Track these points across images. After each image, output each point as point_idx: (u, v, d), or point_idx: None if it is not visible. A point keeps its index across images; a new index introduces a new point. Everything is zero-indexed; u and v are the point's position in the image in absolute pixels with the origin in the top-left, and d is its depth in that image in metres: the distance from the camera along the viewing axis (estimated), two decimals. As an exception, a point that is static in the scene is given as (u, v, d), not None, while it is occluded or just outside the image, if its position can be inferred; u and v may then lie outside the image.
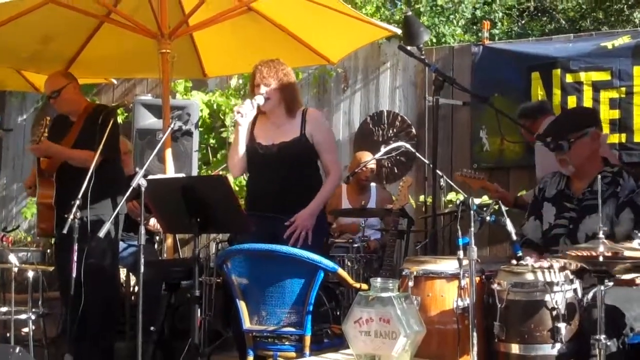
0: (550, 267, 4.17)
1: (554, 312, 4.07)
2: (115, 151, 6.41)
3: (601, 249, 3.78)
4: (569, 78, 8.00)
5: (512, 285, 4.17)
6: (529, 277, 4.18)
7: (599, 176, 4.24)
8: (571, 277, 4.22)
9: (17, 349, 4.50)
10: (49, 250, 8.07)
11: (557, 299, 4.09)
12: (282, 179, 5.38)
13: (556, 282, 4.14)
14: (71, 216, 5.55)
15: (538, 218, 4.99)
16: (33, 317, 6.33)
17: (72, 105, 6.47)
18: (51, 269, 6.60)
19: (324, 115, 5.93)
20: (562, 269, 4.20)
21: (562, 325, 4.06)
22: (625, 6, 12.35)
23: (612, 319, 4.08)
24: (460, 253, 4.20)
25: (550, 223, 4.87)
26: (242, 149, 5.51)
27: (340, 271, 4.83)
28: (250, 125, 5.55)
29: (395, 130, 9.12)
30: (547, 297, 4.10)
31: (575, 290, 4.20)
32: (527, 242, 4.95)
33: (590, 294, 4.23)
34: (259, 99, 5.40)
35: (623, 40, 7.90)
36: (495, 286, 4.23)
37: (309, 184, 5.45)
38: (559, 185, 4.95)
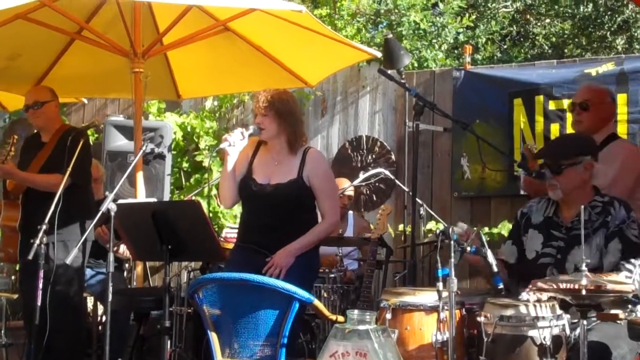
0: (538, 301, 4.14)
1: (542, 348, 4.01)
2: (86, 176, 6.31)
3: (584, 282, 3.76)
4: (552, 105, 7.91)
5: (499, 318, 4.11)
6: (516, 310, 4.12)
7: (582, 208, 4.14)
8: (559, 312, 4.15)
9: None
10: (13, 277, 7.94)
11: (545, 334, 4.03)
12: (274, 219, 5.26)
13: (544, 316, 4.08)
14: (37, 241, 5.43)
15: (515, 243, 4.93)
16: (-5, 347, 6.16)
17: (49, 122, 6.39)
18: (15, 296, 6.46)
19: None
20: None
21: (549, 362, 4.00)
22: (608, 32, 12.36)
23: (599, 356, 4.06)
24: (440, 285, 4.18)
25: (537, 251, 4.80)
26: (231, 180, 5.39)
27: (316, 302, 4.75)
28: (250, 155, 5.44)
29: (374, 156, 9.00)
30: (535, 332, 4.04)
31: (563, 326, 4.13)
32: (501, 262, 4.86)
33: (578, 330, 4.14)
34: (252, 129, 5.32)
35: (607, 67, 7.83)
36: (481, 319, 4.18)
37: (302, 227, 5.29)
38: (546, 211, 4.87)
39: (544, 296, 4.15)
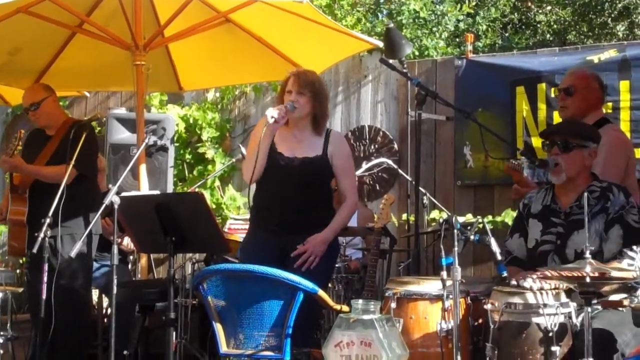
0: (541, 289, 4.15)
1: (548, 335, 4.04)
2: (91, 168, 6.31)
3: (588, 269, 3.75)
4: (554, 92, 7.84)
5: (506, 305, 4.15)
6: (523, 298, 4.15)
7: (586, 194, 4.15)
8: (565, 299, 4.18)
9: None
10: (18, 271, 7.95)
11: (551, 322, 4.06)
12: (298, 194, 5.24)
13: (551, 304, 4.11)
14: (41, 234, 5.43)
15: (522, 235, 4.93)
16: (1, 340, 6.20)
17: (50, 119, 6.39)
18: (20, 290, 6.47)
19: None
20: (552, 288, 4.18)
21: (556, 349, 4.02)
22: (609, 19, 12.33)
23: (604, 343, 4.07)
24: (444, 273, 4.20)
25: (537, 239, 4.81)
26: (264, 156, 5.25)
27: (321, 292, 4.72)
28: None
29: (377, 145, 8.99)
30: (541, 319, 4.07)
31: (568, 313, 4.16)
32: (513, 261, 4.90)
33: (581, 317, 4.15)
34: (291, 106, 5.19)
35: (609, 54, 7.80)
36: (488, 306, 4.21)
37: (321, 206, 5.34)
38: (544, 200, 4.88)
39: (547, 285, 4.16)
